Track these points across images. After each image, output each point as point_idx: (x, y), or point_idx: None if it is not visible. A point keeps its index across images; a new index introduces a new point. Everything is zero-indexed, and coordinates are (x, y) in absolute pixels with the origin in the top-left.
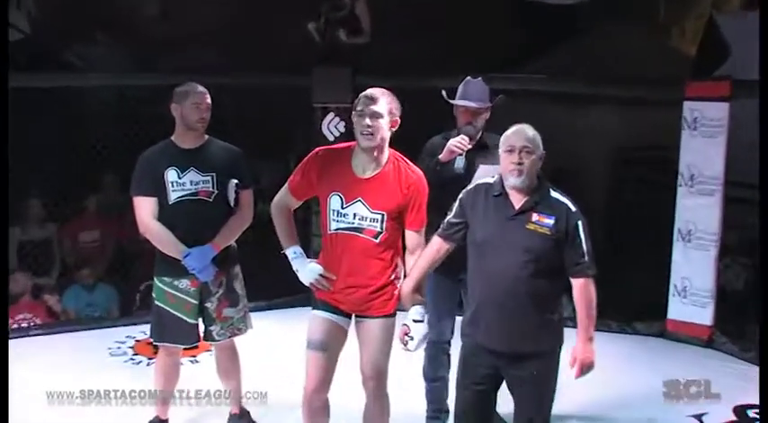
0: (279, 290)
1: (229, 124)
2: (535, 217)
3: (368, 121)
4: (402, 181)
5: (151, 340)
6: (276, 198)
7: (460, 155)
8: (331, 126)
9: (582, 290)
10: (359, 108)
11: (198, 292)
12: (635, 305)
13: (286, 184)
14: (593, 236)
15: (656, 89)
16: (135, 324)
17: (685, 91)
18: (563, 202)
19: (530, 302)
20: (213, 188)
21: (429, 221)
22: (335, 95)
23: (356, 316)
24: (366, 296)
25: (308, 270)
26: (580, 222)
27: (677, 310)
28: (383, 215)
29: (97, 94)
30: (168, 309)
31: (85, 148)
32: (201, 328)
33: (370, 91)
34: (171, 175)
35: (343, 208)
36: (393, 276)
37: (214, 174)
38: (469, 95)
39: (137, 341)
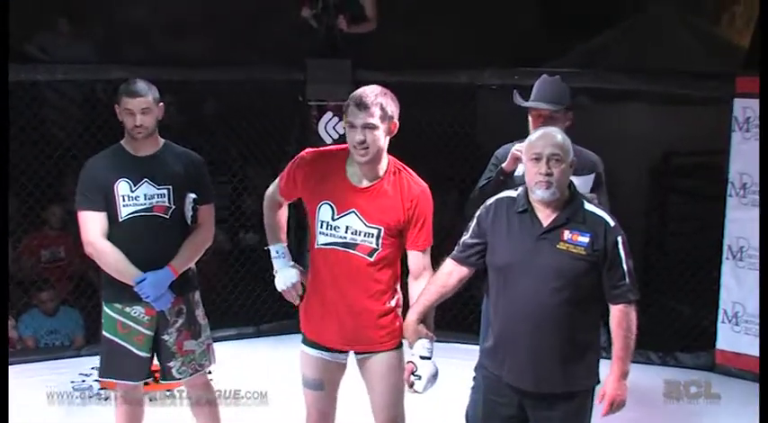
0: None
1: (210, 125)
2: (567, 235)
3: (359, 136)
4: (404, 194)
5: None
6: (268, 190)
7: None
8: (328, 127)
9: (621, 317)
10: (349, 118)
11: (154, 321)
12: (678, 333)
13: (277, 179)
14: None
15: (702, 84)
16: None
17: (736, 86)
18: (599, 217)
19: (561, 335)
20: (170, 203)
21: None
22: (333, 92)
23: (355, 353)
24: (360, 326)
25: (284, 274)
26: (620, 238)
27: (728, 339)
28: (380, 230)
29: (60, 90)
30: (115, 339)
31: (47, 152)
32: (157, 363)
33: (359, 94)
34: (122, 187)
35: (333, 219)
36: (393, 303)
37: (171, 186)
38: (543, 96)
39: None
